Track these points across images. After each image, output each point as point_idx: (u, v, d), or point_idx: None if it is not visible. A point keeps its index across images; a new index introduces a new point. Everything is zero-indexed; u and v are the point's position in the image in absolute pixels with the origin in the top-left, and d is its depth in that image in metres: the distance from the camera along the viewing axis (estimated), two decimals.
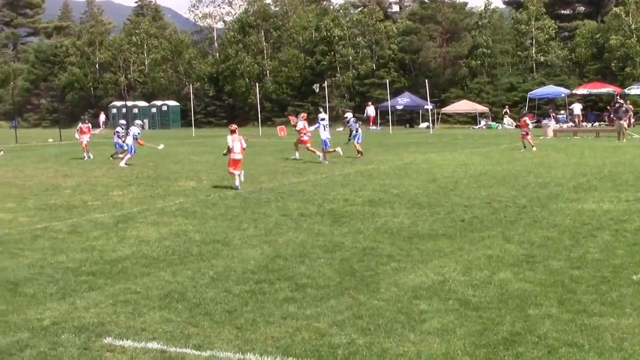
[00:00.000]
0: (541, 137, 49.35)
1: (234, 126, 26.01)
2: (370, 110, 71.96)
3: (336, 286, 11.74)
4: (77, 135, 39.43)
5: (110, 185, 25.89)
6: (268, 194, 22.76)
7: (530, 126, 40.75)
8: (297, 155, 35.60)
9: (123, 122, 39.67)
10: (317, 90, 30.23)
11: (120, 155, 35.53)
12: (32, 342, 9.28)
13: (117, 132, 37.51)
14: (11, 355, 8.81)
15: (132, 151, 34.22)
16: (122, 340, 9.32)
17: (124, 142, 35.88)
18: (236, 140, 24.88)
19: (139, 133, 34.83)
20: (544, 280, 11.83)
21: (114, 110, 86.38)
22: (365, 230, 16.48)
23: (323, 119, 36.65)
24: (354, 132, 36.61)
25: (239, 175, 24.43)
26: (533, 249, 14.12)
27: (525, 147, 38.56)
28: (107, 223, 18.12)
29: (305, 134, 35.28)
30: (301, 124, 35.58)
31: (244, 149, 25.08)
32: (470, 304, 10.61)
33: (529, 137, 38.99)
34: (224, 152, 25.32)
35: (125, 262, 13.76)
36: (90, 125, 38.83)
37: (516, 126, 55.45)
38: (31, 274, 13.01)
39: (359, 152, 35.82)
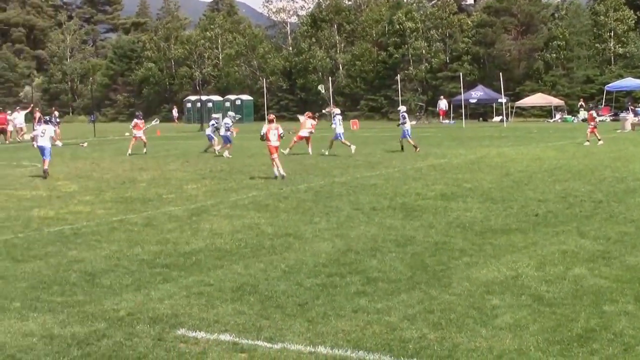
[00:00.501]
0: (619, 131, 48.35)
1: (272, 116, 28.07)
2: (443, 104, 71.39)
3: (407, 280, 11.71)
4: (134, 131, 39.40)
5: (184, 179, 26.22)
6: (340, 188, 22.78)
7: (597, 119, 39.91)
8: (326, 152, 35.99)
9: (216, 116, 40.43)
10: (323, 91, 30.06)
11: (217, 148, 37.27)
12: (109, 332, 9.47)
13: (212, 124, 38.43)
14: (89, 345, 9.00)
15: (229, 141, 35.74)
16: (195, 331, 9.44)
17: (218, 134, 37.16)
18: (272, 129, 26.08)
19: (230, 124, 35.74)
20: (620, 276, 11.61)
21: (189, 105, 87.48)
22: (437, 224, 16.38)
23: (338, 114, 37.61)
24: (403, 128, 36.76)
25: (275, 162, 25.82)
26: (609, 245, 13.85)
27: (589, 141, 37.86)
28: (181, 216, 18.36)
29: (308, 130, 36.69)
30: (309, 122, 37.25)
31: (280, 136, 26.39)
32: (543, 300, 10.46)
33: (595, 130, 38.26)
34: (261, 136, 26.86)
35: (198, 255, 13.92)
36: (144, 121, 39.19)
37: (583, 120, 54.33)
38: (108, 265, 13.27)
39: (414, 147, 35.94)
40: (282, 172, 25.50)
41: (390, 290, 11.16)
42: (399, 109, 38.65)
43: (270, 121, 26.72)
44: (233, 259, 13.57)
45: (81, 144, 31.14)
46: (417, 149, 35.35)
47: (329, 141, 36.11)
